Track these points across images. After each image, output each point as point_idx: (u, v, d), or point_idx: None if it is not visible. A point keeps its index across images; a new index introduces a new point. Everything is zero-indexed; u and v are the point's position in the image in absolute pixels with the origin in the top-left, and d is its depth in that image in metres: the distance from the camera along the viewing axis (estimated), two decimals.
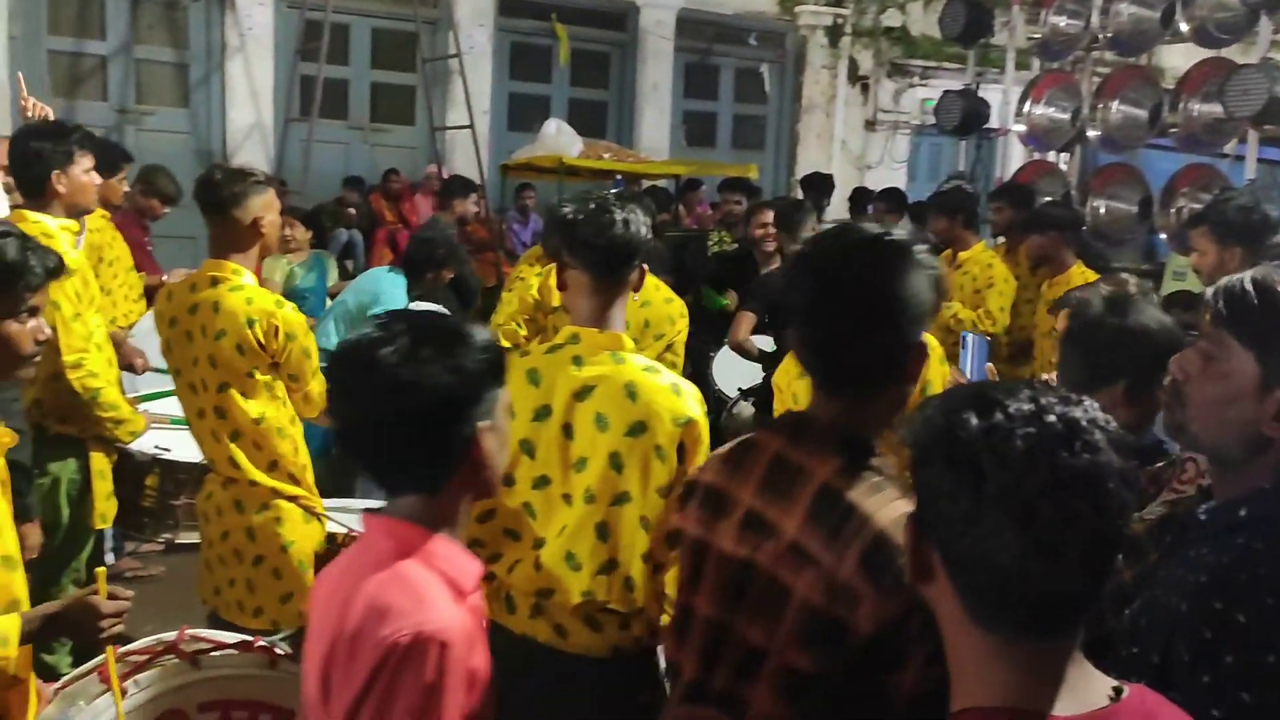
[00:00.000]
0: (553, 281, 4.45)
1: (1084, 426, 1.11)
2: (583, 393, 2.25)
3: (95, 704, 2.09)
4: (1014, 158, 9.31)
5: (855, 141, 13.28)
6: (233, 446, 3.11)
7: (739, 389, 5.66)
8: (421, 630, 1.45)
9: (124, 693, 2.07)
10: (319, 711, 1.57)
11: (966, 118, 8.39)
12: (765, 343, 5.21)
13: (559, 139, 8.99)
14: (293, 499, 3.17)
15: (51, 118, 3.98)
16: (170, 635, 2.30)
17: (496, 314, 5.32)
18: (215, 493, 3.22)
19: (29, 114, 4.02)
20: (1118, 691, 1.17)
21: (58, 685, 2.22)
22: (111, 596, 2.01)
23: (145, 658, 2.18)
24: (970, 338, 2.53)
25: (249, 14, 9.80)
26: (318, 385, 3.17)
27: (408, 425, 1.52)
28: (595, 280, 2.31)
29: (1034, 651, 1.14)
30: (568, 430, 2.25)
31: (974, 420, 1.11)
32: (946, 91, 8.83)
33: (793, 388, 3.57)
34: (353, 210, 9.34)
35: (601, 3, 11.73)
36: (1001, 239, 6.39)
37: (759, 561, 1.61)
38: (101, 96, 9.59)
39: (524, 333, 4.61)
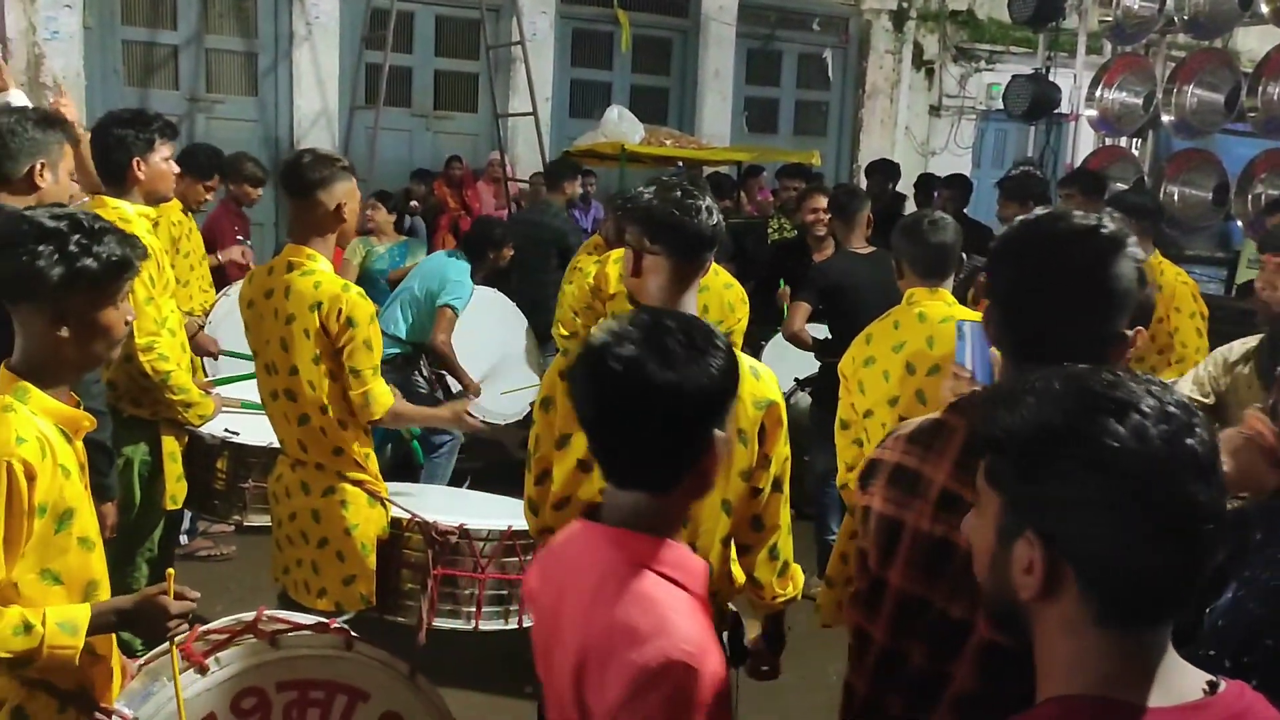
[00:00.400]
0: (610, 269, 4.48)
1: (1189, 407, 1.11)
2: None
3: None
4: (1084, 143, 9.13)
5: (919, 127, 13.12)
6: (300, 430, 3.16)
7: (795, 379, 5.63)
8: (668, 655, 1.46)
9: (205, 670, 2.13)
10: (574, 716, 1.59)
11: (1036, 103, 8.26)
12: (819, 332, 5.17)
13: (620, 126, 8.96)
14: (357, 483, 3.21)
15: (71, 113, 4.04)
16: (248, 615, 2.36)
17: (559, 306, 5.35)
18: (284, 474, 3.27)
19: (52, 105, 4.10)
20: (1213, 685, 1.16)
21: (141, 661, 2.28)
22: (179, 597, 2.05)
23: (225, 637, 2.23)
24: (967, 326, 2.49)
25: (315, 3, 9.92)
26: (380, 387, 3.16)
27: (659, 424, 1.53)
28: (675, 266, 2.30)
29: (1136, 642, 1.13)
30: None
31: (1114, 423, 1.09)
32: (1015, 76, 8.70)
33: (858, 375, 3.55)
34: (416, 204, 9.49)
35: None
36: None
37: (957, 540, 1.62)
38: (173, 85, 9.77)
39: (581, 322, 4.61)
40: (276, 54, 10.00)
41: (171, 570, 2.09)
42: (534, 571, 1.76)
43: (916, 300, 3.50)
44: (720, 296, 4.24)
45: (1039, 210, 1.66)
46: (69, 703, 2.05)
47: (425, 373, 5.43)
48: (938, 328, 3.34)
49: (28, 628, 1.88)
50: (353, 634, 2.39)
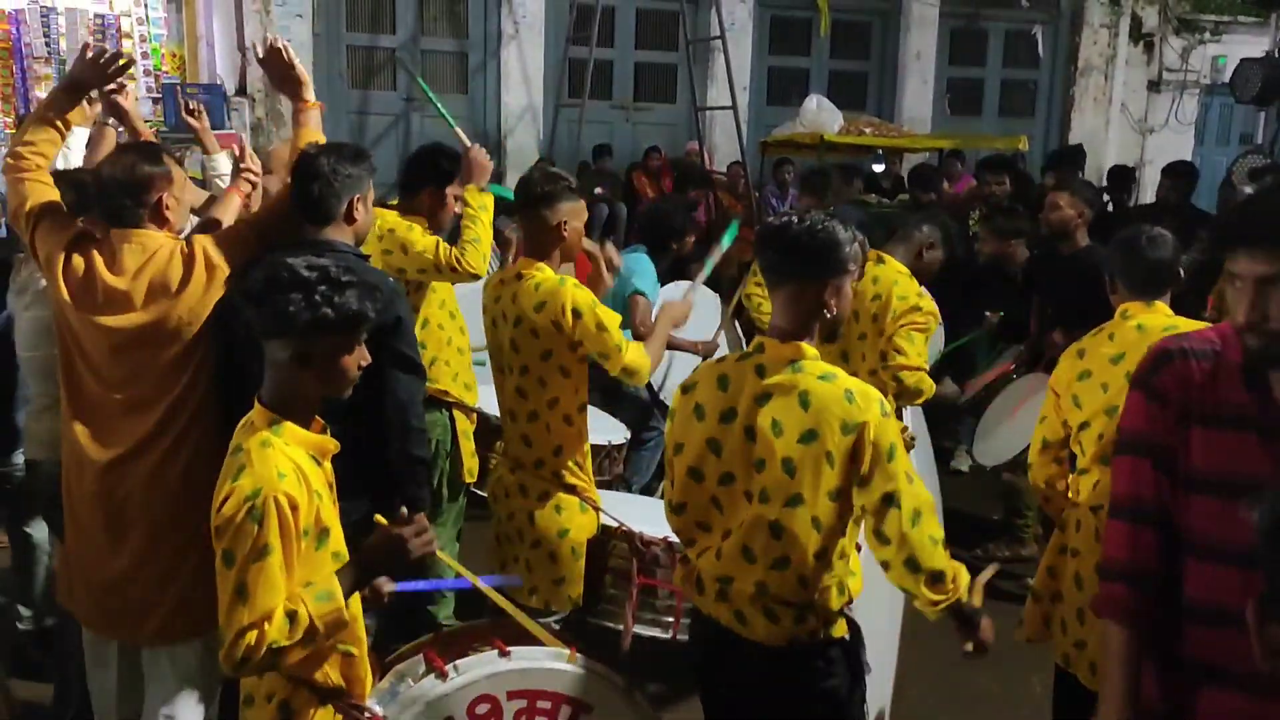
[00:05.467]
0: None
1: None
2: (762, 398, 2.38)
3: (422, 683, 2.34)
4: None
5: (1136, 104, 12.48)
6: (528, 425, 3.33)
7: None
8: None
9: (445, 676, 2.32)
10: None
11: (1267, 86, 7.76)
12: None
13: (820, 115, 8.91)
14: (571, 489, 3.35)
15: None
16: (481, 623, 2.54)
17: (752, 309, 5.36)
18: (504, 476, 3.47)
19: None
20: None
21: (389, 659, 2.50)
22: (404, 522, 2.19)
23: (461, 645, 2.41)
24: None
25: (522, 3, 10.26)
26: (632, 355, 3.25)
27: None
28: (773, 287, 2.43)
29: None
30: (749, 432, 2.39)
31: None
32: (1244, 59, 8.18)
33: (1072, 390, 3.47)
34: (599, 189, 9.11)
35: None
36: None
37: None
38: (391, 86, 10.32)
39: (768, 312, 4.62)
40: (485, 53, 10.40)
41: (379, 516, 2.22)
42: None
43: (1132, 314, 3.40)
44: (889, 289, 4.22)
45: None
46: (327, 698, 2.27)
47: None
48: (1160, 336, 3.25)
49: (292, 616, 2.09)
50: (576, 648, 2.54)
